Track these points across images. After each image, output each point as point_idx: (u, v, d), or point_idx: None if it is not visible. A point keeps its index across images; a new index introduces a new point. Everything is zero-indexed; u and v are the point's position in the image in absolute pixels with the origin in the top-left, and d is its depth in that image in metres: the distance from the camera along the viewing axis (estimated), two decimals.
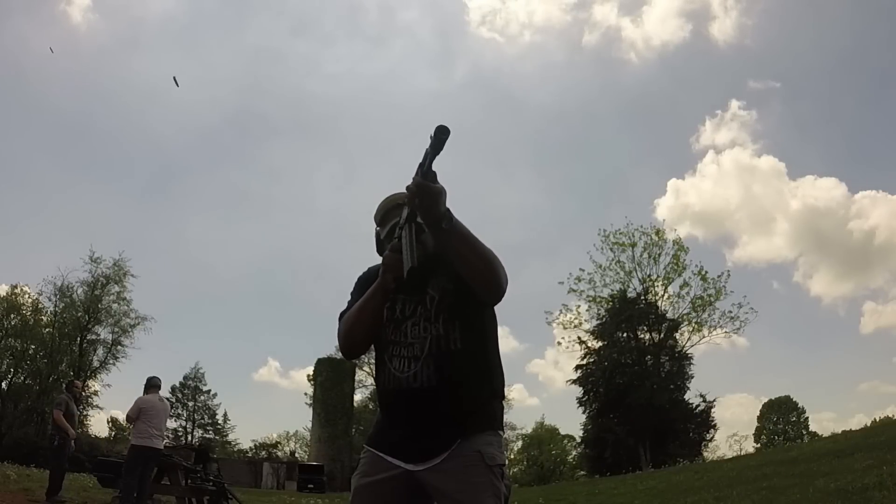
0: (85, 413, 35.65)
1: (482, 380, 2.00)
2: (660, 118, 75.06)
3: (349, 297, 2.17)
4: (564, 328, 38.49)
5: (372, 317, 1.99)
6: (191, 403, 54.74)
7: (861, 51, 68.76)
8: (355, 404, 48.78)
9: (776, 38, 71.63)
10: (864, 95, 67.73)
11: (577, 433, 42.17)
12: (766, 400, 58.99)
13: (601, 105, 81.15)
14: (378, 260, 2.12)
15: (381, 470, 1.96)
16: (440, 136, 1.67)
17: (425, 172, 1.72)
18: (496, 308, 2.09)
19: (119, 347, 38.09)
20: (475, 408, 1.96)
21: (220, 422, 55.63)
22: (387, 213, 2.14)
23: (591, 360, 37.23)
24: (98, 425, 47.86)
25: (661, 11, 73.74)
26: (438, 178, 1.75)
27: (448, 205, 1.78)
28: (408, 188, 1.75)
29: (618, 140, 76.96)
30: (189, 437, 51.17)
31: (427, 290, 2.01)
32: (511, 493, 2.00)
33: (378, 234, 2.16)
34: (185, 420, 54.20)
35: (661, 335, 36.46)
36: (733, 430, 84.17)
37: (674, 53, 70.50)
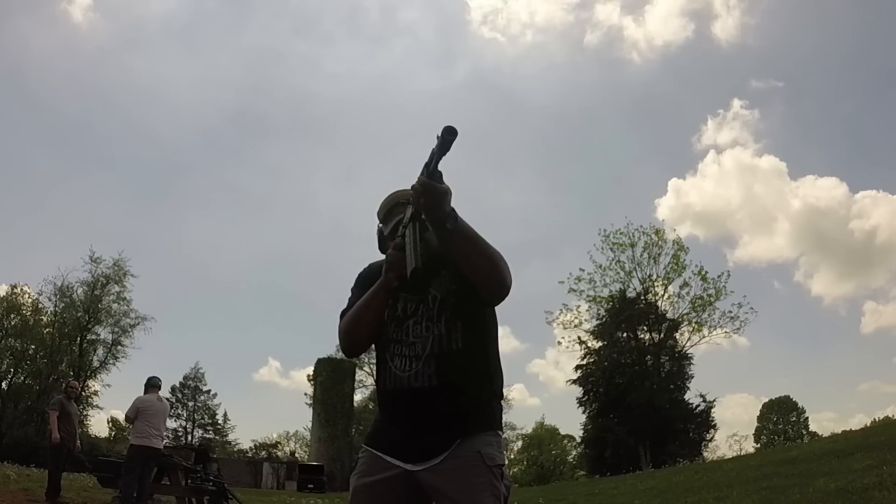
0: (85, 413, 35.67)
1: (482, 380, 1.99)
2: (662, 118, 75.15)
3: (350, 295, 2.15)
4: (565, 328, 38.60)
5: (374, 316, 1.98)
6: (191, 403, 54.85)
7: (864, 50, 68.83)
8: (355, 404, 48.82)
9: (779, 37, 71.72)
10: (865, 95, 67.84)
11: (577, 433, 42.26)
12: (766, 400, 59.14)
13: (603, 105, 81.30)
14: (380, 256, 2.12)
15: (380, 470, 1.95)
16: (447, 136, 1.64)
17: (431, 172, 1.71)
18: (497, 307, 2.07)
19: (119, 347, 38.21)
20: (475, 408, 1.95)
21: (220, 422, 55.76)
22: (390, 210, 2.12)
23: (591, 360, 37.24)
24: (98, 425, 47.88)
25: (664, 11, 73.78)
26: (443, 178, 1.74)
27: (452, 204, 1.76)
28: (413, 187, 1.74)
29: (619, 140, 77.10)
30: (189, 437, 51.20)
31: (430, 289, 2.00)
32: (511, 493, 1.99)
33: (381, 231, 2.15)
34: (185, 420, 54.37)
35: (661, 335, 36.46)
36: (733, 430, 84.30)
37: (676, 53, 70.62)
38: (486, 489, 1.86)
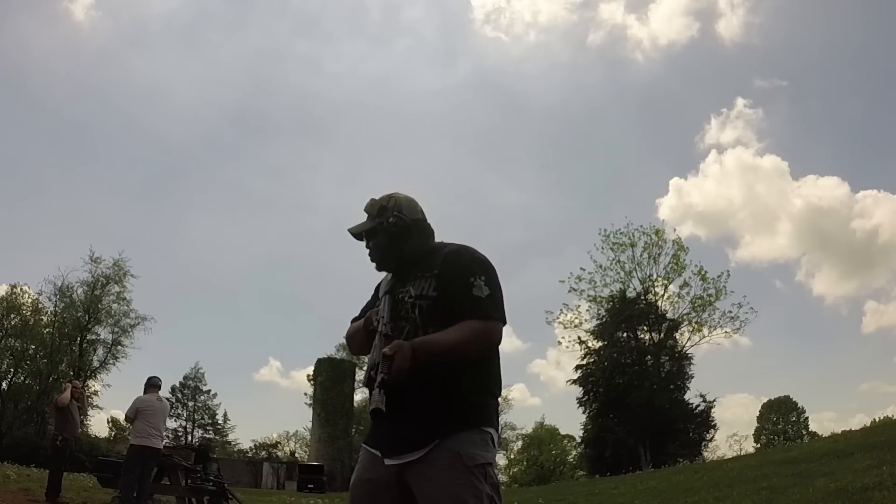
0: (85, 415, 35.62)
1: (462, 376, 1.98)
2: (665, 117, 75.21)
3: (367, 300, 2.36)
4: (565, 328, 38.57)
5: (360, 342, 2.22)
6: (191, 403, 54.83)
7: (867, 50, 68.80)
8: (355, 404, 48.76)
9: (783, 36, 71.69)
10: (867, 94, 67.83)
11: (578, 433, 42.20)
12: (766, 400, 59.12)
13: (606, 104, 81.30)
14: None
15: (373, 467, 2.00)
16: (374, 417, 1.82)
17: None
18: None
19: (119, 347, 38.11)
20: (454, 404, 1.96)
21: (220, 422, 55.73)
22: (369, 209, 2.23)
23: (592, 360, 37.21)
24: (98, 425, 47.78)
25: (668, 10, 73.73)
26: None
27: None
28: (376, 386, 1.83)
29: (622, 140, 77.12)
30: (189, 437, 51.19)
31: (408, 286, 2.08)
32: (500, 492, 1.98)
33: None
34: (185, 420, 54.34)
35: (661, 335, 36.43)
36: (733, 430, 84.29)
37: (680, 52, 70.43)
38: (467, 490, 1.86)
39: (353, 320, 2.29)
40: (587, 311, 38.08)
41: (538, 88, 79.47)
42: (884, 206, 62.00)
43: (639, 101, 75.56)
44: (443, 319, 1.97)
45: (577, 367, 37.54)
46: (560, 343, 39.13)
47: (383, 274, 2.28)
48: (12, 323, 36.97)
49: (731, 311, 36.10)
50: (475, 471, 1.88)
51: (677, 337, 36.70)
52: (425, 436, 1.90)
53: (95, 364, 38.01)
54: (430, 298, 2.02)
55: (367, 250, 2.22)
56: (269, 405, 78.82)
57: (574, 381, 37.35)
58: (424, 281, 2.05)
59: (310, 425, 49.89)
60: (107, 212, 67.27)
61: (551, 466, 54.41)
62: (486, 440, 1.96)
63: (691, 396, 35.67)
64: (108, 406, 55.65)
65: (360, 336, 2.19)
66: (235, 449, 55.24)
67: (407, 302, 2.03)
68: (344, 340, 2.48)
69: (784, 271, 79.60)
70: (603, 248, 37.56)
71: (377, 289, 2.30)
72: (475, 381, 2.01)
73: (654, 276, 37.38)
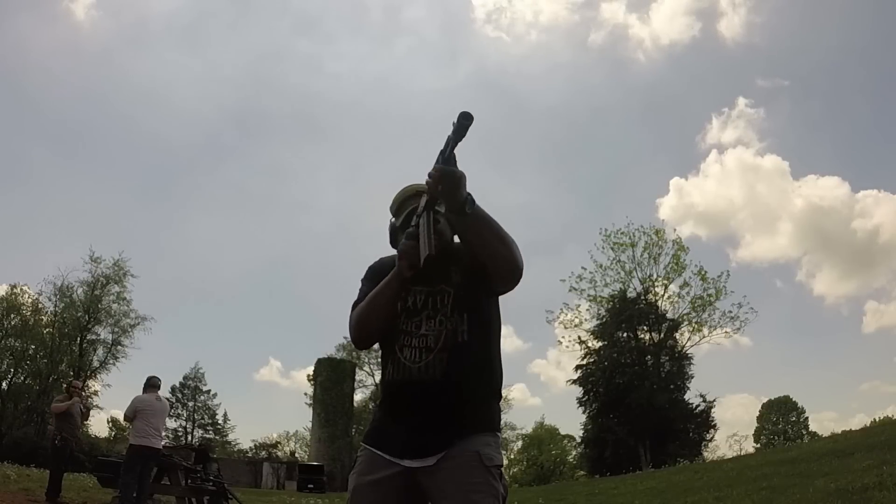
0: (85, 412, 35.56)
1: (485, 376, 2.01)
2: (666, 117, 75.00)
3: (360, 286, 2.15)
4: (565, 328, 38.59)
5: (386, 305, 1.98)
6: (191, 403, 54.79)
7: (869, 50, 68.74)
8: (355, 404, 48.82)
9: (785, 36, 71.50)
10: (870, 94, 67.74)
11: (578, 433, 42.22)
12: (766, 400, 59.14)
13: (607, 104, 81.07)
14: (390, 252, 2.13)
15: (379, 468, 1.96)
16: (463, 122, 1.68)
17: (447, 158, 1.72)
18: (500, 307, 2.10)
19: (119, 347, 38.11)
20: (476, 406, 1.97)
21: (220, 422, 55.71)
22: (403, 202, 2.13)
23: (592, 360, 37.23)
24: (98, 425, 47.73)
25: (669, 9, 73.41)
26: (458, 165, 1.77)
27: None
28: (429, 174, 1.75)
29: (623, 139, 76.96)
30: (189, 437, 51.20)
31: (441, 282, 2.01)
32: (508, 493, 2.00)
33: (392, 225, 2.15)
34: (185, 420, 54.31)
35: (661, 335, 36.44)
36: (733, 430, 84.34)
37: (681, 52, 70.18)
38: (485, 489, 1.86)
39: (354, 305, 2.09)
40: (587, 310, 38.18)
41: (539, 88, 79.49)
42: (884, 205, 61.94)
43: (640, 101, 75.61)
44: (474, 303, 1.97)
45: (577, 367, 37.60)
46: (560, 343, 39.23)
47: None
48: (12, 323, 36.99)
49: (731, 311, 36.17)
50: (493, 471, 1.90)
51: (677, 337, 36.75)
52: (444, 437, 1.89)
53: (95, 364, 38.05)
54: (463, 286, 1.99)
55: (396, 224, 2.10)
56: (269, 405, 78.92)
57: (574, 381, 37.40)
58: (450, 272, 2.02)
59: (310, 425, 49.94)
60: (107, 212, 67.25)
61: (551, 466, 54.43)
62: (498, 443, 1.98)
63: (691, 396, 35.74)
64: (108, 406, 55.61)
65: (387, 296, 1.94)
66: (235, 449, 55.26)
67: (445, 298, 1.99)
68: (344, 339, 2.31)
69: (784, 271, 79.57)
70: (603, 248, 37.65)
71: (372, 273, 2.15)
72: (486, 384, 2.01)
73: (655, 276, 37.46)
